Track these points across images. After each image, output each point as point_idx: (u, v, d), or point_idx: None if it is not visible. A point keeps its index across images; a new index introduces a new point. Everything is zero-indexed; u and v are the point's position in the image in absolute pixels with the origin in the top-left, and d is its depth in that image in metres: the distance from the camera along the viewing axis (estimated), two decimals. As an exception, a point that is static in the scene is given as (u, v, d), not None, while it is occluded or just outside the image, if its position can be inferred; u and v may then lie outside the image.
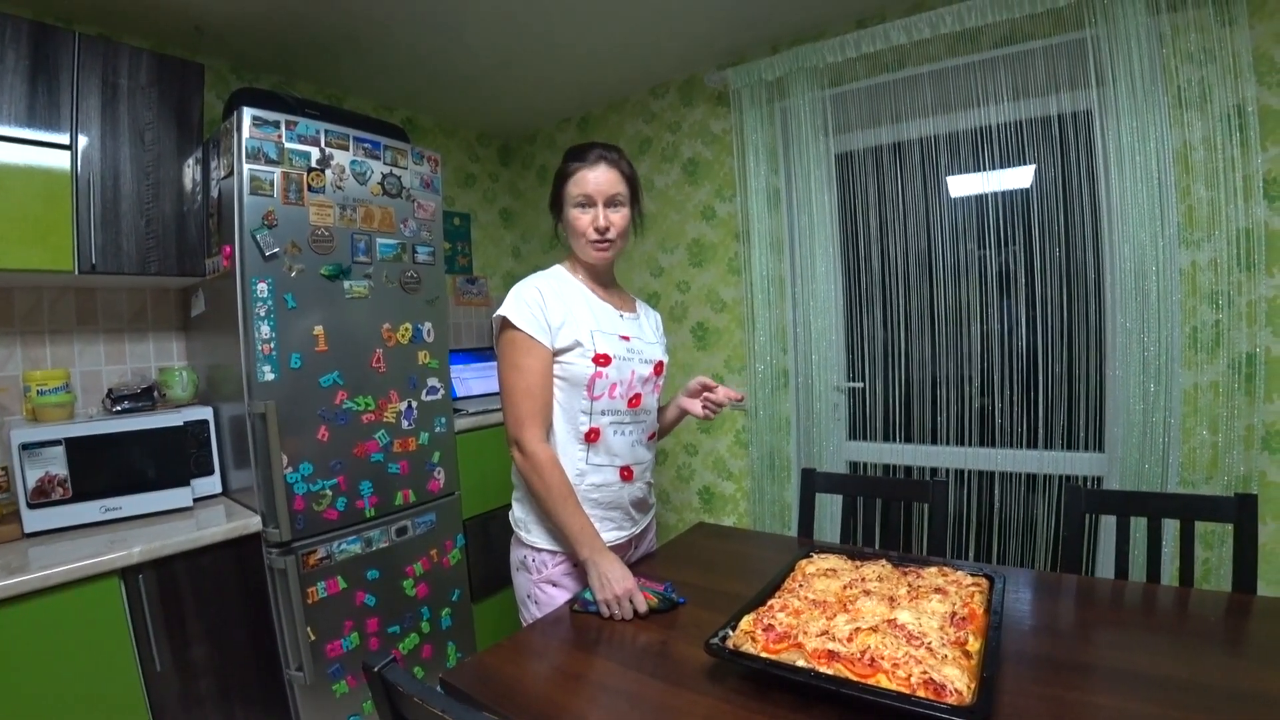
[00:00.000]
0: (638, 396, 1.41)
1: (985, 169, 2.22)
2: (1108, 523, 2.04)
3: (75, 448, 1.69)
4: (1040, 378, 2.18)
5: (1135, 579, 1.52)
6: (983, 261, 2.27)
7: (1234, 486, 1.82)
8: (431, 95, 2.94)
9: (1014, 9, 1.98)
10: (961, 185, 2.32)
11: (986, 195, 2.24)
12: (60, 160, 1.70)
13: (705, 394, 1.51)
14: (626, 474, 1.42)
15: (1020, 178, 2.20)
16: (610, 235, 1.38)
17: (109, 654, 1.50)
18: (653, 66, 2.78)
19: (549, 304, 1.34)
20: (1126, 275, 1.93)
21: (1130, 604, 1.27)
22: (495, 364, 1.40)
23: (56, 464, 1.66)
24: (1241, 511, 1.35)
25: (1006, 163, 2.19)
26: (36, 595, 1.38)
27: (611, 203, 1.37)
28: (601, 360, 1.35)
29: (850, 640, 0.95)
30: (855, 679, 0.87)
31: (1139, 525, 1.67)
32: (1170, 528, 1.66)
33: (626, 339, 1.41)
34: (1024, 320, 2.21)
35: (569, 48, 2.53)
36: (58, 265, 1.70)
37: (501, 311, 1.35)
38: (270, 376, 1.78)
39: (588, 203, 1.36)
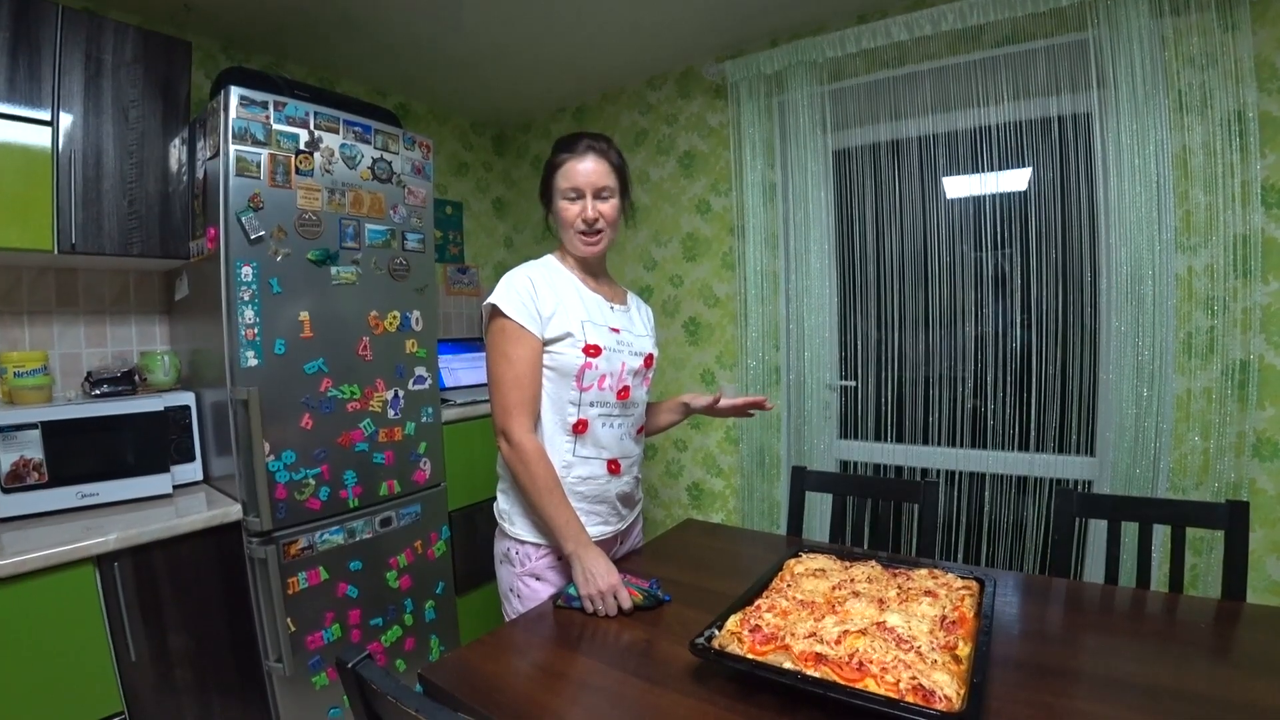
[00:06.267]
0: (626, 389, 1.40)
1: (983, 169, 2.21)
2: (1097, 526, 2.03)
3: (52, 431, 1.65)
4: (1033, 380, 2.17)
5: (1124, 584, 1.51)
6: (978, 262, 2.26)
7: (1224, 493, 1.82)
8: (426, 81, 2.89)
9: (1016, 7, 1.96)
10: (959, 185, 2.30)
11: (984, 196, 2.22)
12: (41, 137, 1.65)
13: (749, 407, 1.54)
14: (614, 467, 1.40)
15: (1018, 179, 2.19)
16: (599, 226, 1.37)
17: (82, 642, 1.47)
18: (650, 57, 2.75)
19: (540, 293, 1.32)
20: (1122, 279, 1.92)
21: (1119, 609, 1.26)
22: (485, 355, 1.39)
23: (32, 448, 1.63)
24: (1233, 518, 1.34)
25: (1005, 163, 2.17)
26: (9, 581, 1.34)
27: (600, 194, 1.36)
28: (592, 351, 1.33)
29: (838, 643, 0.93)
30: (843, 683, 0.86)
31: (1129, 530, 1.66)
32: (1160, 533, 1.66)
33: (616, 331, 1.40)
34: (1018, 322, 2.20)
35: (566, 34, 2.49)
36: (36, 244, 1.66)
37: (491, 299, 1.32)
38: (254, 362, 1.75)
39: (577, 195, 1.35)
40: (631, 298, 1.56)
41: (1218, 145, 1.80)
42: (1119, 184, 1.91)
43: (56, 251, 1.69)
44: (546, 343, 1.33)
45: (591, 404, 1.35)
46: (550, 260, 1.44)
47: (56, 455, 1.66)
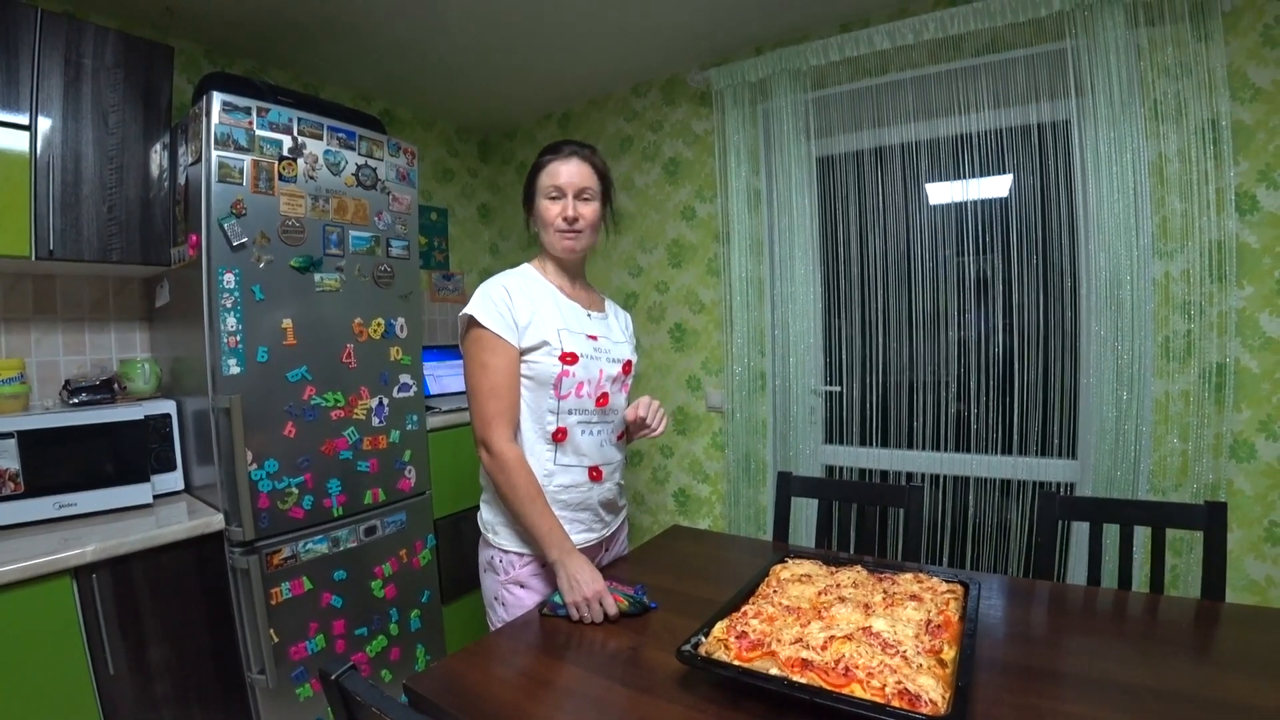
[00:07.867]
0: (605, 396, 1.39)
1: (965, 176, 2.23)
2: (1079, 528, 2.05)
3: (29, 441, 1.62)
4: (1015, 384, 2.19)
5: (1106, 585, 1.52)
6: (960, 268, 2.28)
7: (1202, 494, 1.84)
8: (411, 86, 2.89)
9: (996, 17, 1.99)
10: (941, 192, 2.33)
11: (966, 202, 2.25)
12: (18, 141, 1.63)
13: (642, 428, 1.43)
14: (595, 474, 1.40)
15: (999, 186, 2.22)
16: (579, 226, 1.37)
17: (59, 656, 1.44)
18: (635, 64, 2.76)
19: (516, 302, 1.33)
20: (1101, 284, 1.94)
21: (1102, 610, 1.27)
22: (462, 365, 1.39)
23: (8, 457, 1.60)
24: (1211, 519, 1.36)
25: (986, 170, 2.20)
26: (-17, 594, 1.32)
27: (581, 195, 1.38)
28: (568, 359, 1.33)
29: (825, 648, 0.93)
30: (829, 688, 0.86)
31: (1110, 532, 1.68)
32: (1141, 534, 1.68)
33: (594, 338, 1.40)
34: (1000, 327, 2.22)
35: (552, 39, 2.50)
36: (14, 250, 1.63)
37: (467, 310, 1.33)
38: (236, 370, 1.73)
39: (558, 194, 1.36)
40: (609, 304, 1.56)
41: (1193, 153, 1.83)
42: (1097, 190, 1.94)
43: (34, 258, 1.66)
44: (523, 352, 1.33)
45: (570, 412, 1.35)
46: (527, 269, 1.44)
47: (33, 465, 1.62)
